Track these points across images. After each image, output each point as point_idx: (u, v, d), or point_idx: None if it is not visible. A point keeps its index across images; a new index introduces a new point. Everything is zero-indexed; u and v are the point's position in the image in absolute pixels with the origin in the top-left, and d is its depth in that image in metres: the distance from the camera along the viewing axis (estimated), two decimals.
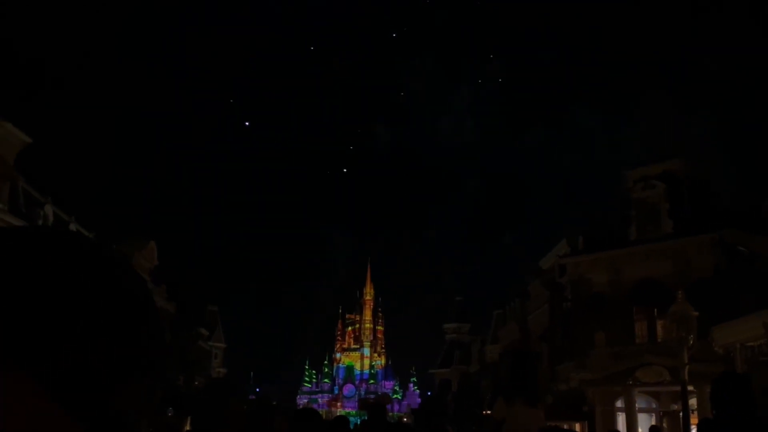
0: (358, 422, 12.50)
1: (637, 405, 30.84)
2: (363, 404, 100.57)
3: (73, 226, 36.74)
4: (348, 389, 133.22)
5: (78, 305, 0.64)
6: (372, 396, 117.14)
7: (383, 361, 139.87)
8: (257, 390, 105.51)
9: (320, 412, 5.86)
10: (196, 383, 54.10)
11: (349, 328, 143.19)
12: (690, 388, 18.22)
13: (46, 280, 0.63)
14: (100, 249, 0.70)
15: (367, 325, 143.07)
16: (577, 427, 35.38)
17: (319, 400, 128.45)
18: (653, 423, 28.52)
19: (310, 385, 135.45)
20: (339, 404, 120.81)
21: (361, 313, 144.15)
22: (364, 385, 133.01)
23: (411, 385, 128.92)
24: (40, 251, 0.65)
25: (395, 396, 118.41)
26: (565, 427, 35.05)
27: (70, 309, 0.63)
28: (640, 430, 29.78)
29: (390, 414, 37.37)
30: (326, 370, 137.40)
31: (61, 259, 0.65)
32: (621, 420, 30.79)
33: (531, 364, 6.23)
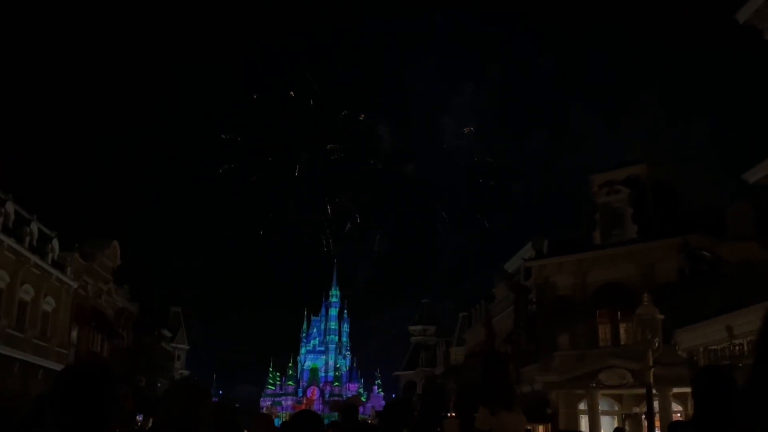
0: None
1: (599, 408, 31.08)
2: (334, 405, 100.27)
3: (34, 226, 36.05)
4: (313, 391, 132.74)
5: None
6: (336, 398, 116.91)
7: (348, 364, 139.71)
8: (220, 392, 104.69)
9: (284, 415, 5.75)
10: (159, 384, 53.49)
11: (315, 330, 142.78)
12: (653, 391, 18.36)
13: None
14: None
15: (333, 327, 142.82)
16: (541, 429, 35.57)
17: (283, 402, 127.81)
18: (616, 425, 28.76)
19: (274, 388, 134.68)
20: (303, 407, 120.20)
21: (326, 314, 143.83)
22: (328, 388, 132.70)
23: (375, 387, 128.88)
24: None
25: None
26: (529, 429, 35.23)
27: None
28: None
29: None
30: (290, 372, 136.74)
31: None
32: (584, 422, 31.01)
33: (502, 368, 6.14)
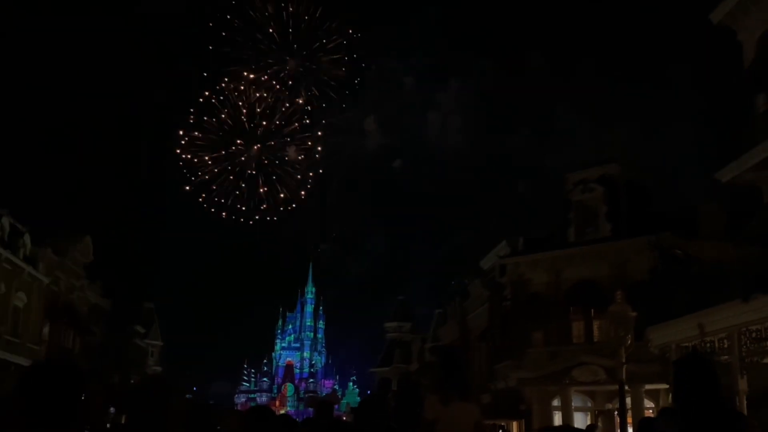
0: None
1: (573, 404, 31.33)
2: (310, 401, 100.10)
3: (6, 221, 35.63)
4: (285, 388, 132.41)
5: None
6: (312, 394, 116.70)
7: (324, 360, 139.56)
8: (194, 389, 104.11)
9: None
10: (132, 381, 53.10)
11: (290, 327, 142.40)
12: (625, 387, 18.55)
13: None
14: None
15: (308, 324, 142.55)
16: (515, 425, 35.77)
17: (258, 399, 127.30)
18: (589, 422, 29.00)
19: (249, 384, 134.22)
20: (278, 403, 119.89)
21: (302, 311, 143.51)
22: (303, 384, 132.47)
23: (350, 384, 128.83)
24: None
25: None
26: (503, 425, 35.42)
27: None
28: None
29: None
30: (265, 368, 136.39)
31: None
32: (557, 418, 31.22)
33: (460, 360, 6.20)
